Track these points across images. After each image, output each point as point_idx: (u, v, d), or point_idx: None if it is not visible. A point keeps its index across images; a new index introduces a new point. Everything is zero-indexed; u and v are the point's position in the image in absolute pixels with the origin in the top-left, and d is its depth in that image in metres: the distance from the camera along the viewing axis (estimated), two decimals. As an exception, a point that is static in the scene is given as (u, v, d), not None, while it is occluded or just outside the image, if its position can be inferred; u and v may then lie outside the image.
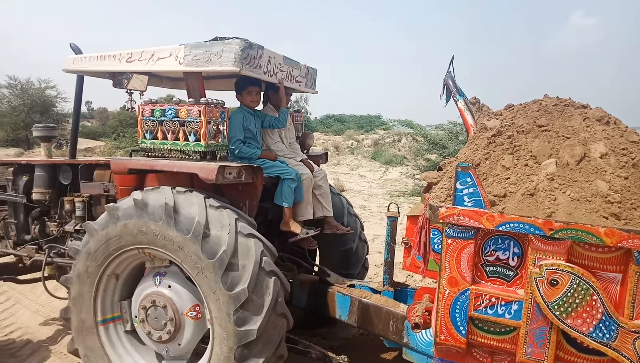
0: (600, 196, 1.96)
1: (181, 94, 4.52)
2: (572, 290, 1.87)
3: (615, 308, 1.85)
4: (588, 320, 1.86)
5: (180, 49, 3.06)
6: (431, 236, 2.41)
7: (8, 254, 4.38)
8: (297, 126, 4.44)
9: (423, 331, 2.76)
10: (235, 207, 2.99)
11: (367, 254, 4.57)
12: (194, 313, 2.95)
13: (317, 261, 4.39)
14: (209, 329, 2.86)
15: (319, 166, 4.13)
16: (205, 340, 2.99)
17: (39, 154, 5.25)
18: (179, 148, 3.10)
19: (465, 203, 2.03)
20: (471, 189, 2.02)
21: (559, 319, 1.89)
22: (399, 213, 3.48)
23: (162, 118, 3.11)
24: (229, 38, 2.98)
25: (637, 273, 1.79)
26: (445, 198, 2.20)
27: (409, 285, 3.62)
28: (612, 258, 1.86)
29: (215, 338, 2.74)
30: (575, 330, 1.88)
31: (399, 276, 5.53)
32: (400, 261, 3.56)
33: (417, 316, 2.58)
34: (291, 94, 4.10)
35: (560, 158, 2.16)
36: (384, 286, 3.50)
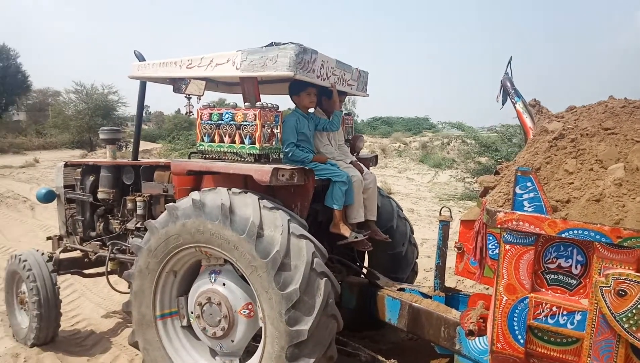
0: (674, 203, 1.85)
1: (234, 97, 4.65)
2: (642, 302, 1.77)
3: (691, 322, 1.74)
4: (660, 334, 1.76)
5: (238, 55, 3.16)
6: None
7: (75, 249, 4.68)
8: (347, 128, 4.46)
9: (477, 338, 2.69)
10: (288, 208, 3.05)
11: (417, 258, 4.52)
12: (247, 311, 3.02)
13: (366, 264, 4.38)
14: (261, 327, 2.93)
15: (368, 169, 4.13)
16: (257, 338, 3.06)
17: (102, 156, 5.58)
18: (234, 151, 3.20)
19: (525, 208, 1.97)
20: (532, 194, 1.95)
21: (627, 332, 1.80)
22: (451, 217, 3.42)
23: (220, 122, 3.22)
24: (284, 43, 3.05)
25: None
26: (504, 203, 2.14)
27: (461, 291, 3.55)
28: (688, 269, 1.74)
29: (267, 337, 2.80)
30: (645, 344, 1.78)
31: (449, 281, 5.41)
32: (451, 266, 3.49)
33: (471, 322, 2.53)
34: (344, 98, 4.13)
35: (629, 162, 2.05)
36: (434, 291, 3.45)
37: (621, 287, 1.80)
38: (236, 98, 4.51)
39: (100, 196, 4.35)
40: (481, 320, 2.57)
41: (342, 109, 3.98)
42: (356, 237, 3.51)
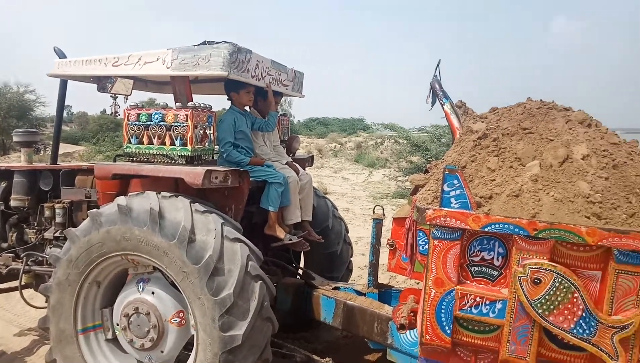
0: (582, 196, 2.01)
1: (164, 98, 4.48)
2: (554, 288, 1.91)
3: (595, 305, 1.90)
4: (569, 317, 1.90)
5: (168, 53, 3.04)
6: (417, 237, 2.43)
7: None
8: (283, 129, 4.45)
9: (408, 332, 2.78)
10: (221, 211, 2.98)
11: (352, 256, 4.59)
12: (178, 320, 2.91)
13: (303, 265, 4.39)
14: (192, 335, 2.83)
15: (304, 170, 4.13)
16: (188, 346, 2.96)
17: (16, 160, 5.13)
18: (164, 153, 3.07)
19: (452, 205, 2.06)
20: (458, 191, 2.04)
21: (541, 317, 1.93)
22: (384, 215, 3.51)
23: (149, 123, 3.08)
24: (218, 42, 2.98)
25: (616, 271, 1.84)
26: (432, 200, 2.23)
27: (393, 287, 3.65)
28: (593, 256, 1.90)
29: (199, 345, 2.72)
30: (556, 327, 1.92)
31: (382, 277, 5.55)
32: (384, 263, 3.59)
33: (402, 317, 2.60)
34: (280, 98, 4.11)
35: (544, 159, 2.20)
36: (368, 288, 3.52)
37: (537, 276, 1.93)
38: (167, 98, 4.35)
39: (13, 203, 3.99)
40: (412, 314, 2.65)
41: (278, 110, 3.95)
42: (290, 239, 3.50)
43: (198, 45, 3.02)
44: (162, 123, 3.05)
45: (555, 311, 1.92)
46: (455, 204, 2.04)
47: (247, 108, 3.74)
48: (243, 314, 2.66)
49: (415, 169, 11.01)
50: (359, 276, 5.83)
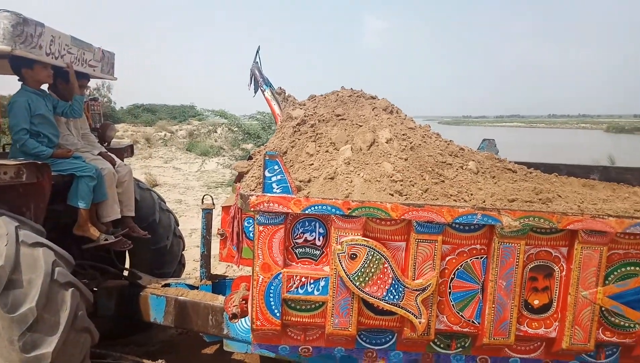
0: (387, 176, 2.23)
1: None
2: (368, 261, 2.09)
3: (402, 272, 2.14)
4: (382, 286, 2.11)
5: None
6: (246, 224, 2.42)
7: None
8: (94, 116, 3.98)
9: (242, 320, 2.77)
10: (16, 213, 2.53)
11: (184, 250, 4.39)
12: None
13: (129, 264, 4.04)
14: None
15: (122, 160, 3.77)
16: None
17: None
18: None
19: (274, 190, 2.09)
20: (279, 177, 2.08)
21: (359, 289, 2.10)
22: (214, 204, 3.42)
23: None
24: None
25: (417, 240, 2.09)
26: (256, 186, 2.23)
27: (227, 276, 3.60)
28: (398, 229, 2.13)
29: (-4, 372, 2.29)
30: (372, 297, 2.11)
31: (219, 268, 5.47)
32: (216, 253, 3.51)
33: (234, 306, 2.58)
34: (87, 81, 3.64)
35: (355, 143, 2.38)
36: (201, 280, 3.40)
37: (353, 251, 2.09)
38: None
39: None
40: (244, 302, 2.65)
41: (85, 94, 3.51)
42: (106, 239, 3.16)
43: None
44: None
45: (370, 282, 2.11)
46: (277, 189, 2.07)
47: (45, 89, 3.22)
48: (51, 328, 2.32)
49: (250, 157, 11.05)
50: (195, 269, 5.64)
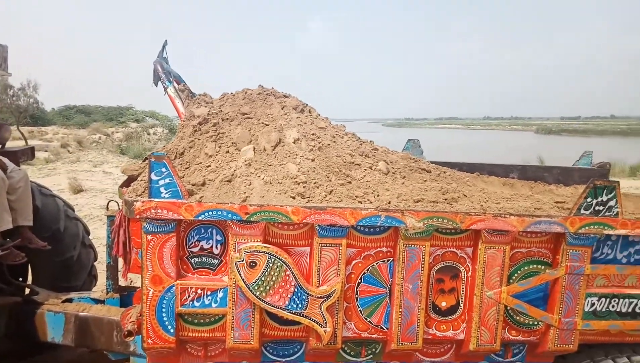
0: (290, 177, 2.11)
1: None
2: (268, 269, 1.95)
3: (306, 279, 2.02)
4: (284, 294, 1.98)
5: None
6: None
7: None
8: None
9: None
10: None
11: (95, 260, 4.06)
12: None
13: (30, 278, 3.67)
14: None
15: (18, 165, 3.41)
16: None
17: None
18: None
19: (163, 195, 1.90)
20: (167, 180, 1.90)
21: (259, 299, 1.96)
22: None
23: None
24: None
25: (320, 244, 1.98)
26: (144, 191, 2.03)
27: (137, 288, 3.35)
28: (300, 234, 2.01)
29: None
30: (273, 307, 1.98)
31: (135, 279, 5.13)
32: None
33: (131, 322, 2.35)
34: None
35: (259, 144, 2.24)
36: (107, 293, 3.14)
37: (252, 259, 1.95)
38: None
39: None
40: (142, 317, 2.43)
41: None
42: None
43: None
44: None
45: (271, 291, 1.97)
46: (166, 194, 1.89)
47: None
48: None
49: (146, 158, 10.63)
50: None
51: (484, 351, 2.15)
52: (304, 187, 2.06)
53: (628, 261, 2.15)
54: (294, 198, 2.02)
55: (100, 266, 4.23)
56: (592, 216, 2.02)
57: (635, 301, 2.13)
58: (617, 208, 2.02)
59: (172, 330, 1.99)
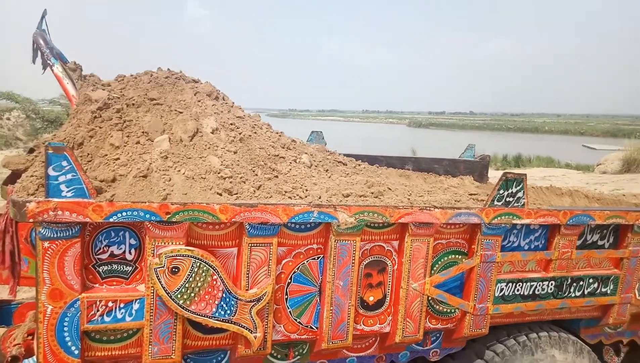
0: (214, 172, 1.92)
1: None
2: (193, 275, 1.76)
3: (234, 282, 1.86)
4: (210, 301, 1.80)
5: None
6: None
7: None
8: None
9: (31, 359, 2.16)
10: None
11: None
12: None
13: None
14: None
15: None
16: None
17: None
18: None
19: (64, 193, 1.59)
20: (69, 176, 1.59)
21: (182, 307, 1.75)
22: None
23: None
24: None
25: (250, 245, 1.83)
26: (37, 189, 1.69)
27: (15, 301, 2.84)
28: (229, 233, 1.84)
29: None
30: (199, 315, 1.79)
31: (21, 291, 4.38)
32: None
33: (15, 345, 1.97)
34: None
35: (174, 133, 2.00)
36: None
37: (174, 264, 1.73)
38: None
39: None
40: (30, 337, 2.05)
41: None
42: None
43: None
44: None
45: (196, 298, 1.78)
46: (68, 192, 1.58)
47: None
48: None
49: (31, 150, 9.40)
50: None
51: (408, 342, 2.21)
52: (230, 182, 1.89)
53: (529, 247, 2.36)
54: (220, 194, 1.84)
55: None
56: (503, 207, 2.17)
57: (535, 284, 2.35)
58: (524, 198, 2.19)
59: (76, 352, 1.69)
